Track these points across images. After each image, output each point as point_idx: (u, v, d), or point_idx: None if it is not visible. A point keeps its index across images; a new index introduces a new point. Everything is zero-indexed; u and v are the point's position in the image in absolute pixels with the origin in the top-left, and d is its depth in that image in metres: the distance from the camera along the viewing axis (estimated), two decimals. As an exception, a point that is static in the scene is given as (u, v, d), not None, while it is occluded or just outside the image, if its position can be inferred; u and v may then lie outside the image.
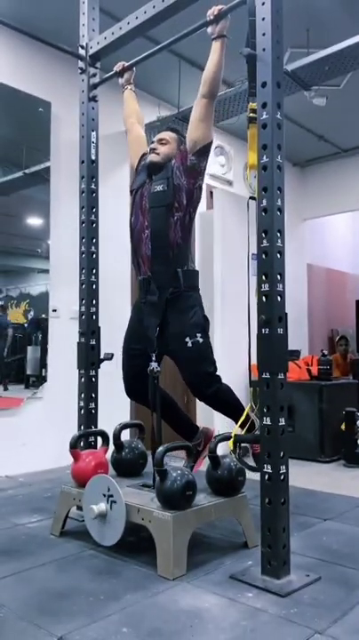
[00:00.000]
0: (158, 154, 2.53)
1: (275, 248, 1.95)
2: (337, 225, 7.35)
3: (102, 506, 2.15)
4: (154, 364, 2.42)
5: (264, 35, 2.01)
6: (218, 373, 2.46)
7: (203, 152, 2.46)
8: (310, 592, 1.84)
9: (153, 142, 2.58)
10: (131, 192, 2.63)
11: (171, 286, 2.44)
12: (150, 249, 2.47)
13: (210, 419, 4.69)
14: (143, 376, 2.48)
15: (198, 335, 2.42)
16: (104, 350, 2.80)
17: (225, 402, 2.52)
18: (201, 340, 2.42)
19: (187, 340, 2.39)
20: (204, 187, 5.11)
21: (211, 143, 2.48)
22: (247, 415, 2.26)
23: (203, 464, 2.58)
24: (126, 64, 2.78)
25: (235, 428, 2.23)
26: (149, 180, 2.54)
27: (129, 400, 4.37)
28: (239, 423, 2.24)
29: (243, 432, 2.24)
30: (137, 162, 2.70)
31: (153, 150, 2.55)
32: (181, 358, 2.46)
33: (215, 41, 2.31)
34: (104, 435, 2.58)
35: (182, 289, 2.45)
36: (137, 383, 2.57)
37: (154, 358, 2.43)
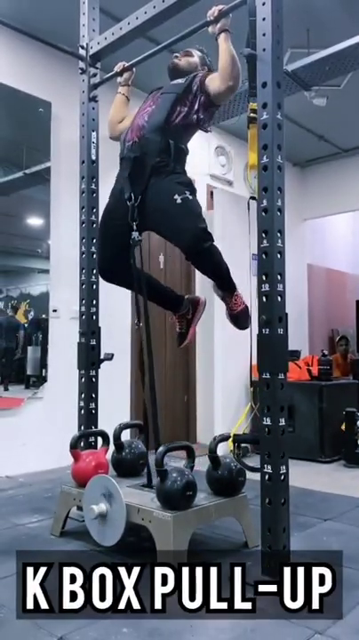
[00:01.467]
0: (180, 60, 2.54)
1: (276, 248, 1.95)
2: (337, 225, 7.35)
3: (102, 506, 2.15)
4: (135, 234, 2.31)
5: (264, 35, 2.01)
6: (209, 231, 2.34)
7: (214, 104, 2.41)
8: (310, 592, 1.83)
9: (177, 52, 2.57)
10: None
11: (158, 156, 2.31)
12: (146, 120, 2.38)
13: (211, 422, 4.70)
14: (122, 255, 2.39)
15: (187, 192, 2.26)
16: (104, 350, 2.80)
17: (218, 260, 2.35)
18: (190, 197, 2.27)
19: (176, 197, 2.23)
20: (204, 187, 5.18)
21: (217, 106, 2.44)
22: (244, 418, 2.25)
23: (194, 333, 2.64)
24: (126, 64, 2.78)
25: (234, 428, 2.23)
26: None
27: (129, 400, 4.38)
28: (239, 422, 2.24)
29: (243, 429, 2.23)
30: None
31: (176, 57, 2.54)
32: (172, 216, 2.28)
33: (218, 37, 2.29)
34: (104, 435, 2.58)
35: (172, 159, 2.32)
36: (115, 261, 2.47)
37: (135, 227, 2.32)
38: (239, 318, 2.47)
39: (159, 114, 2.38)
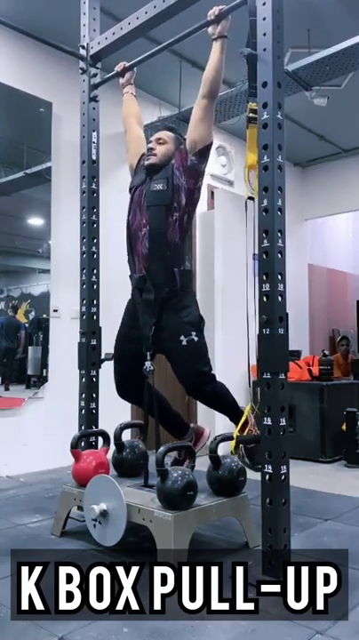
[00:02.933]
0: (156, 155, 2.50)
1: (276, 248, 1.95)
2: (338, 225, 7.35)
3: (103, 506, 2.15)
4: (148, 364, 2.38)
5: (264, 35, 2.01)
6: (212, 372, 2.43)
7: (203, 153, 2.44)
8: (311, 592, 1.83)
9: (150, 142, 2.55)
10: (130, 190, 2.61)
11: (166, 286, 2.41)
12: (147, 247, 2.43)
13: (211, 418, 4.70)
14: (136, 376, 2.45)
15: (193, 334, 2.37)
16: (105, 350, 2.80)
17: (221, 400, 2.48)
18: (196, 339, 2.37)
19: (182, 338, 2.34)
20: (205, 187, 5.18)
21: (211, 144, 2.46)
22: (246, 418, 2.24)
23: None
24: (127, 64, 2.78)
25: (236, 430, 2.23)
26: (149, 178, 2.51)
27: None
28: (238, 427, 2.23)
29: (241, 432, 2.22)
30: (136, 161, 2.67)
31: (150, 151, 2.51)
32: (176, 357, 2.40)
33: (215, 41, 2.31)
34: (105, 435, 2.58)
35: (178, 288, 2.42)
36: (130, 383, 2.54)
37: (149, 357, 2.39)
38: (254, 455, 2.34)
39: (158, 240, 2.41)
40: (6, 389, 3.92)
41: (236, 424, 2.40)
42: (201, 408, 4.97)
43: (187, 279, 2.49)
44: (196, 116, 2.40)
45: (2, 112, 3.92)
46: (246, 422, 2.24)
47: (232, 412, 2.47)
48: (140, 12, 2.59)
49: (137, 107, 2.81)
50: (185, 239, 2.50)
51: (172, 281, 2.41)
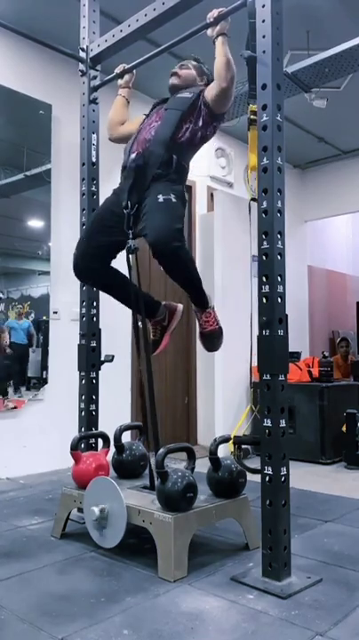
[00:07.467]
0: (179, 76, 2.52)
1: (276, 250, 1.95)
2: (338, 226, 7.36)
3: (103, 507, 2.15)
4: (132, 241, 2.29)
5: (264, 37, 2.01)
6: (184, 238, 2.28)
7: (217, 117, 2.42)
8: (311, 594, 1.83)
9: (174, 68, 2.56)
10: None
11: (160, 168, 2.32)
12: (152, 134, 2.39)
13: (211, 421, 4.70)
14: (103, 255, 2.41)
15: (172, 195, 2.26)
16: (104, 352, 2.80)
17: (186, 266, 2.28)
18: (174, 200, 2.25)
19: (160, 196, 2.24)
20: (205, 188, 5.18)
21: (223, 115, 2.45)
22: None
23: (169, 341, 2.55)
24: (127, 66, 2.78)
25: (235, 430, 2.23)
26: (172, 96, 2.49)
27: (130, 402, 4.38)
28: (239, 425, 2.23)
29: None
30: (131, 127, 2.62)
31: (174, 74, 2.53)
32: (149, 212, 2.25)
33: (216, 40, 2.30)
34: (105, 436, 2.58)
35: (171, 172, 2.33)
36: (94, 261, 2.45)
37: (130, 235, 2.30)
38: (207, 338, 2.38)
39: (165, 129, 2.38)
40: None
41: (197, 305, 2.38)
42: (200, 409, 4.97)
43: (182, 171, 2.40)
44: (211, 86, 2.36)
45: (1, 114, 3.92)
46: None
47: (195, 286, 2.35)
48: (140, 15, 2.60)
49: (126, 114, 2.78)
50: (190, 147, 2.44)
51: (168, 164, 2.33)
